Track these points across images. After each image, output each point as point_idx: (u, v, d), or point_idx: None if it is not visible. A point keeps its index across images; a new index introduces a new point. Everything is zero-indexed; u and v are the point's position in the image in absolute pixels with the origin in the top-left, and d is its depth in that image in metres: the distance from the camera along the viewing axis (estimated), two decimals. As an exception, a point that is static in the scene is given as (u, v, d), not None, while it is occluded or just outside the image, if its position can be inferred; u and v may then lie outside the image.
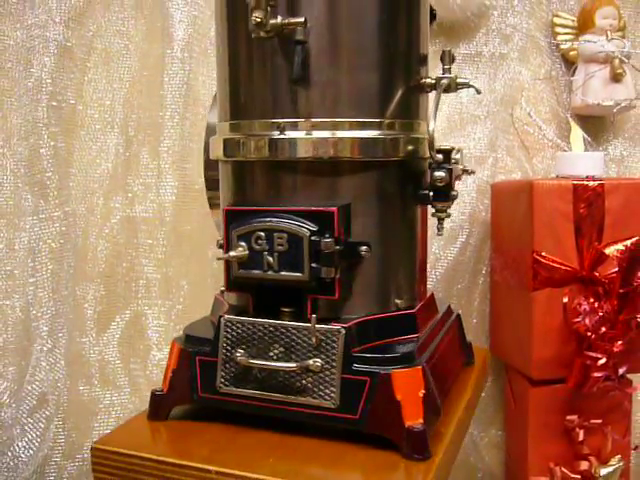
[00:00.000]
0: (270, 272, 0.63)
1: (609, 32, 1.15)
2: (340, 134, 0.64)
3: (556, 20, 1.19)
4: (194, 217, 1.07)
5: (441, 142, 1.06)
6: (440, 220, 0.69)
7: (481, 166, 1.14)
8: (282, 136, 0.64)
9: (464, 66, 1.16)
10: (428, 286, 1.12)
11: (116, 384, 1.09)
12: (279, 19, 0.61)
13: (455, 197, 0.68)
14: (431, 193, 0.67)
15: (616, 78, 1.13)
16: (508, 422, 1.13)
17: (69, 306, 1.06)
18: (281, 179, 0.66)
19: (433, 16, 0.79)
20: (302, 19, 0.61)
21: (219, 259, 0.65)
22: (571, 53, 1.18)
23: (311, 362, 0.61)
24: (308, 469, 0.57)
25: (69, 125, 1.07)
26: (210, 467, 0.59)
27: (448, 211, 0.69)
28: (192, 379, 0.67)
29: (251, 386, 0.64)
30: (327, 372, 0.61)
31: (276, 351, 0.63)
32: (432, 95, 0.70)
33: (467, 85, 0.68)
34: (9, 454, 1.01)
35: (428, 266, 1.12)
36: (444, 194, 0.66)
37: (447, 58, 0.69)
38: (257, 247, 0.63)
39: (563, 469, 1.01)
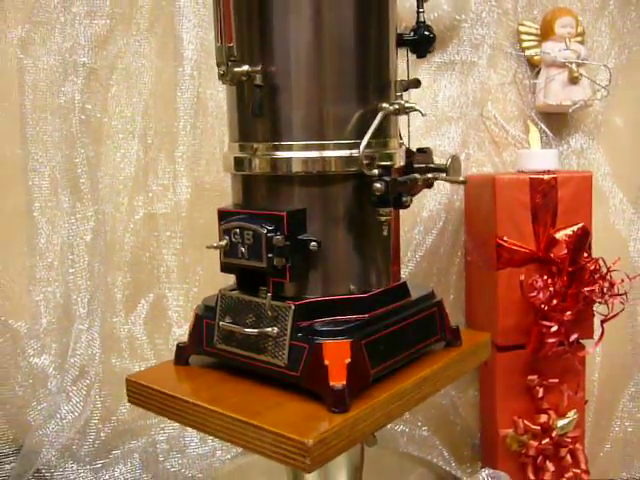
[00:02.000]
0: (243, 260, 0.80)
1: (568, 39, 1.32)
2: (326, 154, 0.80)
3: (521, 28, 1.35)
4: (206, 212, 1.25)
5: (420, 141, 1.24)
6: (382, 223, 0.82)
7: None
8: (280, 156, 0.80)
9: (440, 73, 1.32)
10: (410, 267, 1.31)
11: (143, 357, 1.28)
12: (245, 67, 0.78)
13: (404, 203, 0.81)
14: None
15: (573, 81, 1.30)
16: (481, 383, 1.32)
17: (102, 291, 1.25)
18: (276, 188, 0.83)
19: (433, 38, 0.91)
20: (259, 68, 0.78)
21: (207, 247, 0.83)
22: (535, 57, 1.34)
23: (269, 329, 0.78)
24: (254, 407, 0.75)
25: (96, 135, 1.26)
26: (190, 399, 0.79)
27: (390, 216, 0.81)
28: (200, 336, 0.86)
29: (234, 344, 0.82)
30: (280, 338, 0.78)
31: (250, 319, 0.81)
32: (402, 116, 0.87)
33: (414, 109, 0.83)
34: (57, 416, 1.22)
35: (410, 250, 1.31)
36: (384, 202, 0.79)
37: (398, 86, 0.84)
38: (235, 240, 0.81)
39: (526, 422, 1.19)
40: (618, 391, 1.33)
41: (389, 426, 1.27)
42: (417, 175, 0.86)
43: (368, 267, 0.85)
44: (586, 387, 1.26)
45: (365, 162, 0.79)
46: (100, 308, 1.25)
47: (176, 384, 0.86)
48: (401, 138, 0.92)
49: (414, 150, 0.92)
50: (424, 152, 0.94)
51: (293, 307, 0.79)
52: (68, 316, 1.25)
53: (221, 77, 0.79)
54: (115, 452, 1.26)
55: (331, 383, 0.75)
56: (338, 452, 0.73)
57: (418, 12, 0.91)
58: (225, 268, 0.85)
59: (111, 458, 1.25)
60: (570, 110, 1.29)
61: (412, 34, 0.91)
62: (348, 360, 0.75)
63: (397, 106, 0.82)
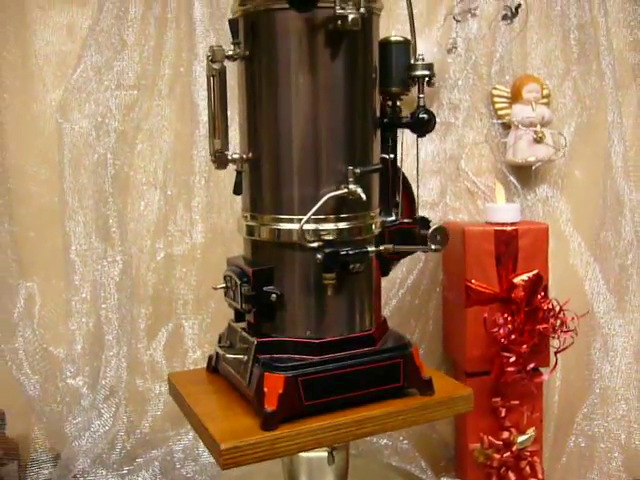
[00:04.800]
0: (232, 300, 1.06)
1: (534, 103, 1.55)
2: (321, 226, 1.00)
3: (494, 92, 1.58)
4: (218, 254, 1.49)
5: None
6: (327, 285, 1.00)
7: (434, 209, 1.55)
8: (281, 227, 1.02)
9: (422, 132, 1.57)
10: (395, 302, 1.55)
11: (163, 378, 1.50)
12: (235, 156, 1.03)
13: (351, 270, 1.00)
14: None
15: (538, 140, 1.54)
16: (455, 403, 1.56)
17: (128, 322, 1.49)
18: (276, 251, 1.05)
19: (429, 121, 1.08)
20: (238, 156, 1.03)
21: (213, 288, 1.10)
22: (506, 117, 1.59)
23: (241, 356, 1.03)
24: (217, 414, 1.00)
25: (124, 187, 1.49)
26: (185, 398, 1.06)
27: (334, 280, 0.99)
28: (217, 354, 1.14)
29: (229, 363, 1.08)
30: (247, 364, 1.01)
31: (238, 346, 1.06)
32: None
33: (358, 195, 0.99)
34: (91, 429, 1.47)
35: (395, 287, 1.55)
36: (326, 269, 0.99)
37: (350, 173, 1.00)
38: (228, 284, 1.07)
39: (490, 438, 1.42)
40: (574, 411, 1.57)
41: (374, 439, 1.51)
42: (370, 248, 1.03)
43: (322, 318, 1.03)
44: (546, 408, 1.50)
45: (321, 233, 1.00)
46: (126, 336, 1.48)
47: (189, 385, 1.13)
48: (392, 210, 1.13)
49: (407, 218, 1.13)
50: (419, 221, 1.13)
51: (256, 342, 1.02)
52: (99, 344, 1.48)
53: (213, 162, 1.04)
54: (138, 460, 1.49)
55: (265, 407, 0.96)
56: (256, 460, 0.93)
57: (418, 97, 1.09)
58: (228, 305, 1.11)
59: (135, 465, 1.48)
60: (533, 167, 1.53)
61: (410, 117, 1.09)
62: (281, 391, 0.96)
63: (346, 190, 1.00)
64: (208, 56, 1.04)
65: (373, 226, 1.07)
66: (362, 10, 0.98)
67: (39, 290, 1.52)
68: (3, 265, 1.47)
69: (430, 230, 1.07)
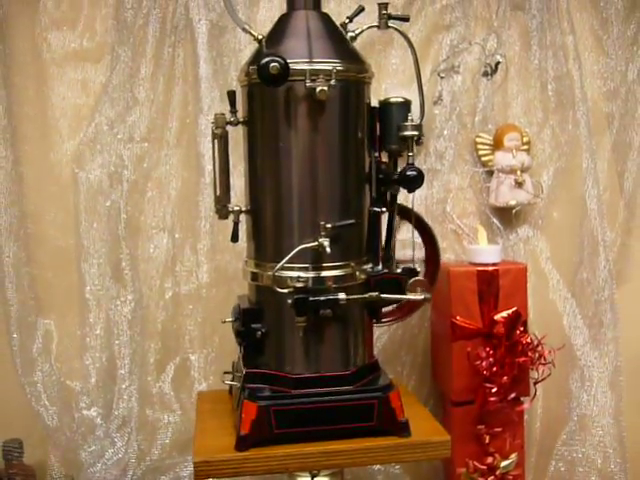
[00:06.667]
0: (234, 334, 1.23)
1: (514, 150, 1.70)
2: (302, 274, 1.16)
3: (478, 139, 1.73)
4: (221, 293, 1.64)
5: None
6: (299, 328, 1.15)
7: (422, 249, 1.70)
8: (279, 274, 1.15)
9: (410, 178, 1.72)
10: (387, 336, 1.70)
11: (171, 409, 1.65)
12: (235, 208, 1.20)
13: (321, 315, 1.13)
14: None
15: (518, 185, 1.69)
16: (443, 430, 1.70)
17: (138, 356, 1.64)
18: (265, 294, 1.20)
19: (415, 178, 1.19)
20: (238, 208, 1.19)
21: (222, 321, 1.28)
22: (489, 163, 1.74)
23: (236, 384, 1.21)
24: (212, 432, 1.19)
25: (135, 231, 1.64)
26: (196, 417, 1.25)
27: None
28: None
29: (233, 390, 1.27)
30: (238, 391, 1.18)
31: (236, 375, 1.23)
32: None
33: (325, 248, 1.12)
34: (105, 456, 1.61)
35: (386, 322, 1.69)
36: (297, 312, 1.13)
37: (322, 228, 1.13)
38: (233, 319, 1.25)
39: (475, 462, 1.56)
40: (554, 438, 1.71)
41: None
42: (342, 295, 1.15)
43: (300, 356, 1.18)
44: (529, 434, 1.64)
45: (298, 280, 1.15)
46: (137, 370, 1.63)
47: (207, 404, 1.33)
48: (379, 260, 1.26)
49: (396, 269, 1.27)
50: (407, 271, 1.25)
51: (244, 372, 1.18)
52: (112, 377, 1.63)
53: (216, 213, 1.22)
54: (148, 486, 1.63)
55: (240, 430, 1.12)
56: (226, 475, 1.10)
57: (408, 155, 1.22)
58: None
59: (145, 491, 1.63)
60: (514, 210, 1.69)
61: (399, 175, 1.20)
62: (253, 418, 1.11)
63: (316, 243, 1.13)
64: (212, 123, 1.20)
65: (356, 274, 1.20)
66: (332, 82, 1.12)
67: (56, 327, 1.67)
68: (22, 304, 1.62)
69: (410, 281, 1.21)
